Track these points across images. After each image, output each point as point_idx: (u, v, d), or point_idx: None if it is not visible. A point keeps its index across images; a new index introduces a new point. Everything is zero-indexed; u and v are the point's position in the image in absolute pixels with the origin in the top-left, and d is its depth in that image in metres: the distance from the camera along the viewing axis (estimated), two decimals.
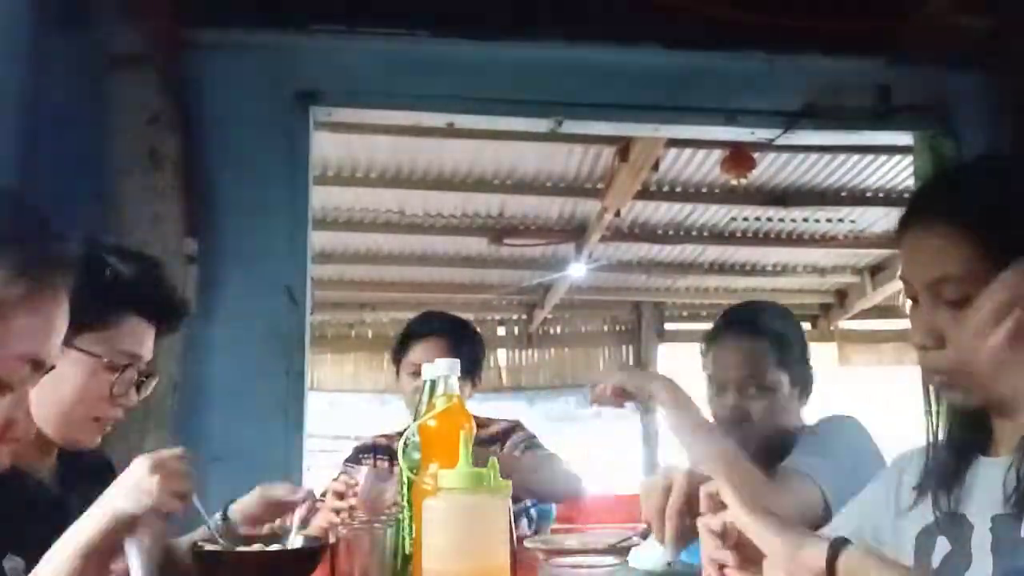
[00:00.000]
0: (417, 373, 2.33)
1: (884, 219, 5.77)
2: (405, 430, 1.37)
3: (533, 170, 5.05)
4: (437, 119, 3.24)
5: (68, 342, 1.11)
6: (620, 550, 1.51)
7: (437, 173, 5.07)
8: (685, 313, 8.51)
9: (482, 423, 2.43)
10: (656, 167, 4.66)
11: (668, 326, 8.48)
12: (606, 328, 8.88)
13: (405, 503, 1.34)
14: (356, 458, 2.57)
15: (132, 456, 1.26)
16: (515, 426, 2.58)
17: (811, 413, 1.95)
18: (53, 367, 0.97)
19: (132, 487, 1.21)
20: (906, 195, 5.23)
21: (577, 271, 6.65)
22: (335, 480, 2.07)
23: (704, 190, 5.40)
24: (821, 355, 5.80)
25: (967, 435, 1.16)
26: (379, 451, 2.55)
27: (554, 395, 8.79)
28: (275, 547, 1.41)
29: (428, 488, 1.16)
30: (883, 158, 4.86)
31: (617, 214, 5.31)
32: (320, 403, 7.59)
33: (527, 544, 1.61)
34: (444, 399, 1.29)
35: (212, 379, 2.79)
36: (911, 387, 1.31)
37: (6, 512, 1.26)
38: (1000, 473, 1.06)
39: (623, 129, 3.67)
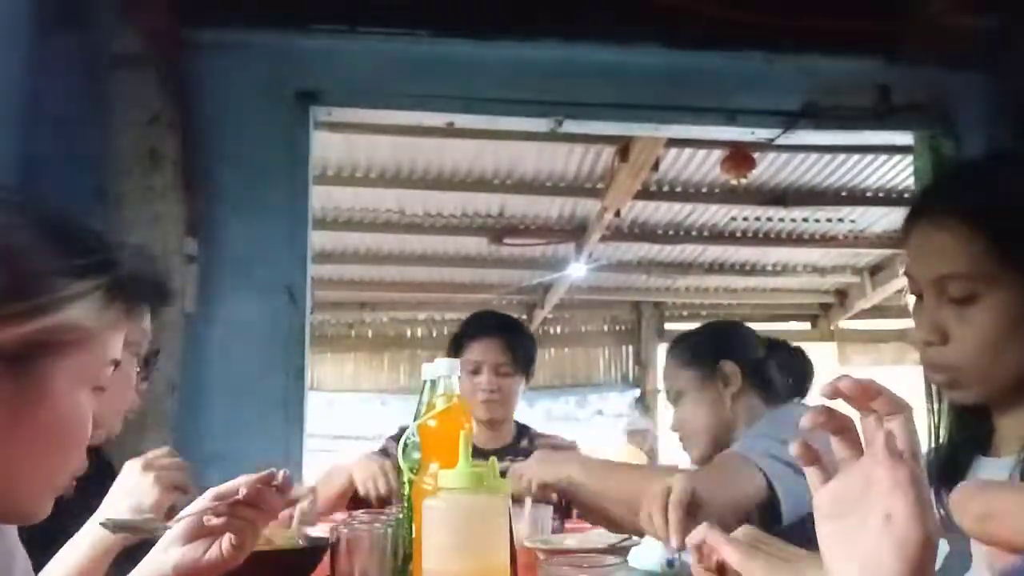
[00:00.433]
0: (476, 371, 2.44)
1: (884, 219, 5.77)
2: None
3: (533, 170, 5.05)
4: (437, 119, 3.23)
5: None
6: (620, 550, 1.52)
7: (437, 173, 5.07)
8: (685, 313, 8.51)
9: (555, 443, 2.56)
10: (656, 167, 4.66)
11: (668, 326, 8.48)
12: (606, 328, 8.89)
13: (405, 503, 1.34)
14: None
15: (131, 456, 1.26)
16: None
17: None
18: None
19: (130, 490, 1.21)
20: (906, 195, 5.23)
21: (577, 271, 6.65)
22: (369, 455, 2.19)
23: (704, 190, 5.40)
24: (821, 355, 5.79)
25: (968, 434, 1.16)
26: None
27: (554, 395, 8.80)
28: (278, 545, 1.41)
29: (428, 488, 1.16)
30: (883, 158, 4.86)
31: (617, 214, 5.31)
32: (320, 403, 7.60)
33: (527, 544, 1.61)
34: (444, 399, 1.29)
35: (212, 379, 2.79)
36: (911, 387, 1.30)
37: None
38: (1001, 473, 1.06)
39: (623, 129, 3.66)
